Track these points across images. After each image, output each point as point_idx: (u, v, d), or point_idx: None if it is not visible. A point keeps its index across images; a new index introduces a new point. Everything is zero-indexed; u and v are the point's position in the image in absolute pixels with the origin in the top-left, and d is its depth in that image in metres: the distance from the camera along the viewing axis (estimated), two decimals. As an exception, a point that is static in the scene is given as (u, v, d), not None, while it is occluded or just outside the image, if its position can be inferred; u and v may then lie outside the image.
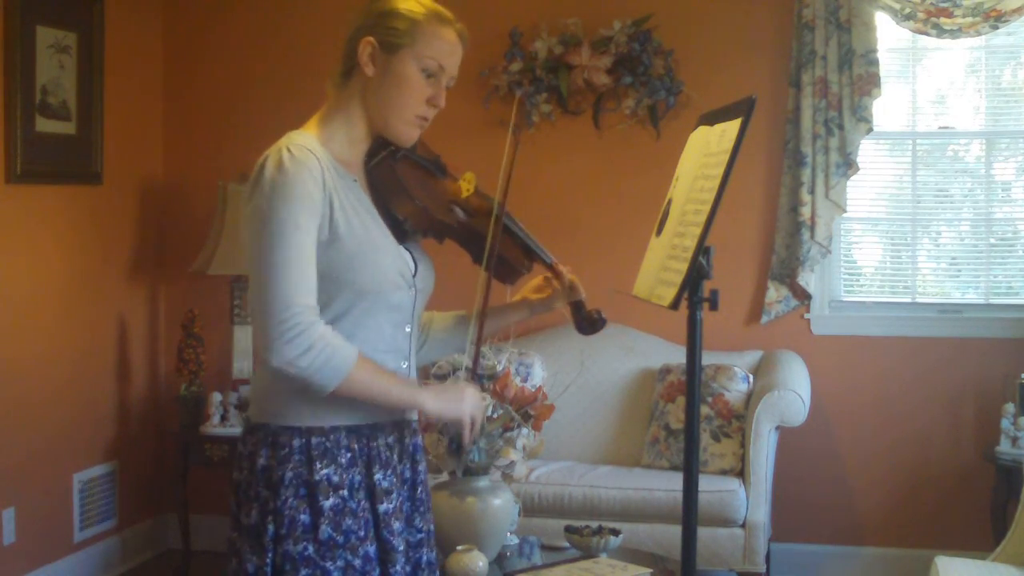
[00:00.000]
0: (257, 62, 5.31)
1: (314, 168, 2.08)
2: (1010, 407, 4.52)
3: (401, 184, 2.22)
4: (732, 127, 2.06)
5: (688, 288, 2.03)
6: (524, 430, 3.42)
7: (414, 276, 2.23)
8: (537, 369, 4.81)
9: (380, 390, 2.12)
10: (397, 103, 2.17)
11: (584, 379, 4.82)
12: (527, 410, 3.40)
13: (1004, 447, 4.49)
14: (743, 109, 2.05)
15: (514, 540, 3.57)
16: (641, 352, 4.90)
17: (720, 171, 2.02)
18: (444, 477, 3.46)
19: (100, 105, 4.84)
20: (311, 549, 2.08)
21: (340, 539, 2.10)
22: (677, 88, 4.93)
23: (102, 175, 4.90)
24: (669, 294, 2.07)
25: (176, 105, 5.39)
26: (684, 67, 4.96)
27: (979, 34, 4.65)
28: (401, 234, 2.22)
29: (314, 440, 2.10)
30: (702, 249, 2.01)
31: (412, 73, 2.16)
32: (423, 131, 2.24)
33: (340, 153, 2.18)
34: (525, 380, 4.64)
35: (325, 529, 2.08)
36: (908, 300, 5.01)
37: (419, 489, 2.27)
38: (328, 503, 2.09)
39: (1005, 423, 4.50)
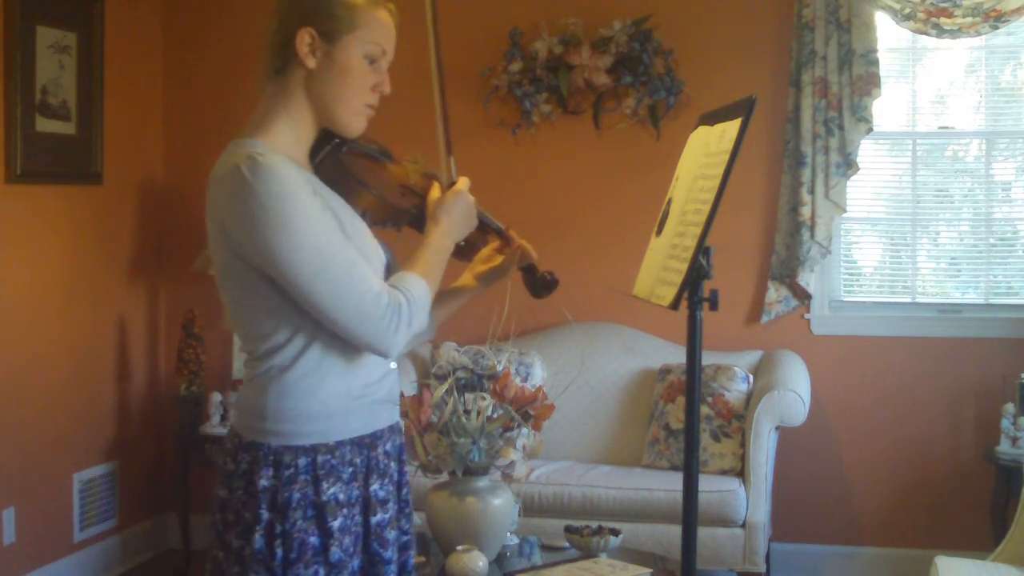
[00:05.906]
0: (257, 62, 5.29)
1: (289, 163, 1.99)
2: (1010, 407, 4.52)
3: (355, 177, 2.10)
4: (732, 127, 2.06)
5: (688, 288, 2.03)
6: (524, 430, 3.42)
7: (387, 270, 2.15)
8: (537, 369, 4.81)
9: (440, 271, 2.12)
10: (344, 93, 2.07)
11: (584, 379, 4.82)
12: (527, 410, 3.39)
13: (1004, 447, 4.49)
14: (743, 109, 2.05)
15: (514, 540, 3.57)
16: (641, 352, 4.90)
17: (720, 171, 2.02)
18: (444, 477, 3.45)
19: (100, 105, 4.84)
20: (322, 572, 1.99)
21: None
22: (677, 88, 4.92)
23: (102, 175, 4.89)
24: (669, 294, 2.07)
25: (176, 105, 5.39)
26: (684, 67, 4.96)
27: (979, 34, 4.65)
28: None
29: (320, 458, 2.00)
30: (702, 249, 2.01)
31: (356, 61, 2.06)
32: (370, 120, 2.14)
33: (289, 154, 2.06)
34: (525, 380, 4.64)
35: (335, 551, 2.00)
36: (908, 300, 5.01)
37: (404, 490, 2.19)
38: (336, 523, 2.00)
39: (1005, 423, 4.51)
